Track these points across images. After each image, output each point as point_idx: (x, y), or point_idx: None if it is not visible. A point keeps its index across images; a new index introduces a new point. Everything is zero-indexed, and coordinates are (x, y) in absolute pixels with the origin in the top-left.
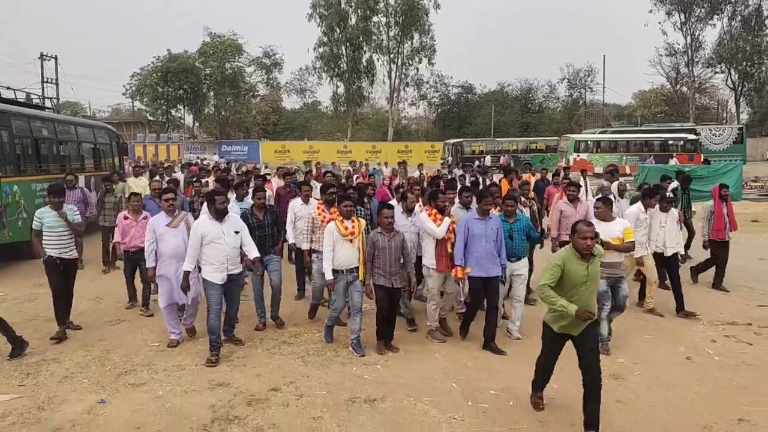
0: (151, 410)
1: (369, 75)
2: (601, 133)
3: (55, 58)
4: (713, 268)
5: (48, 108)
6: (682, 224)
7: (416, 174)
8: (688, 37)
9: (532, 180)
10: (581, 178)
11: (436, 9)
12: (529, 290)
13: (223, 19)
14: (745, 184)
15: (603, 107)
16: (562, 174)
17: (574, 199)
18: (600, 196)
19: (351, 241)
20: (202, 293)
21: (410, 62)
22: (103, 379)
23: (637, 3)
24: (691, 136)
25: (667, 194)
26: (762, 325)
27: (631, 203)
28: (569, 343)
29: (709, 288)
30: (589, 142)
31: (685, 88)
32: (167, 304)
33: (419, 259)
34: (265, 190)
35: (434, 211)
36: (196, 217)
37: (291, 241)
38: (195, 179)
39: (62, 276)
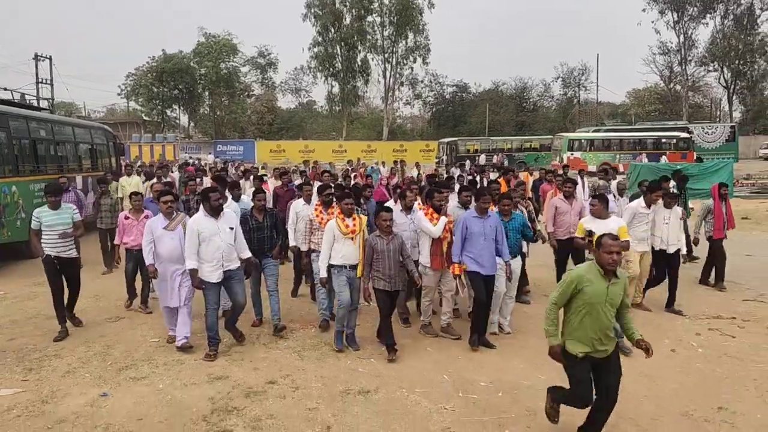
0: (152, 402)
1: (364, 74)
2: (594, 131)
3: (50, 58)
4: (701, 265)
5: (44, 109)
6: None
7: (414, 173)
8: (681, 36)
9: (530, 179)
10: (578, 177)
11: (431, 8)
12: (522, 285)
13: (218, 20)
14: (736, 182)
15: (597, 106)
16: (560, 173)
17: (569, 196)
18: (596, 194)
19: (352, 239)
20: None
21: (405, 62)
22: (105, 373)
23: (631, 2)
24: (684, 135)
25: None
26: (745, 319)
27: (631, 201)
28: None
29: (705, 285)
30: (582, 141)
31: (678, 87)
32: (164, 306)
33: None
34: (265, 192)
35: (431, 210)
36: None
37: (293, 243)
38: (190, 179)
39: (60, 275)
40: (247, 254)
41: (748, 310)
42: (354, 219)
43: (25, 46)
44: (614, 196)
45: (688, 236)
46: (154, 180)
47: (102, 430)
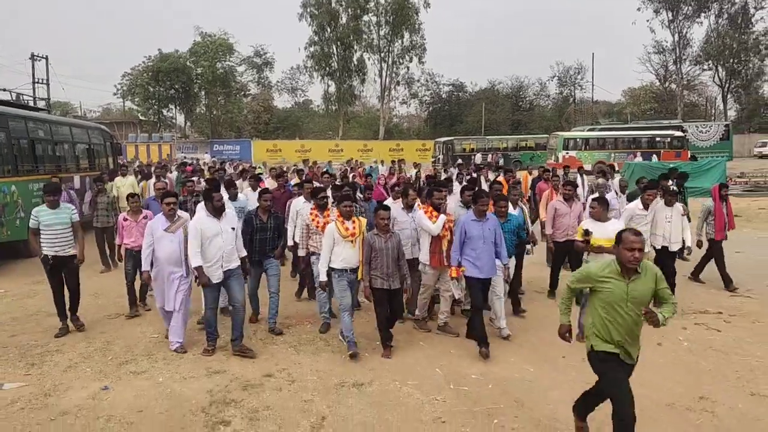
0: (152, 395)
1: (360, 74)
2: (589, 130)
3: (46, 58)
4: (690, 265)
5: (42, 109)
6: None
7: (413, 172)
8: (676, 35)
9: (529, 178)
10: (578, 176)
11: (426, 8)
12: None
13: (214, 19)
14: (729, 180)
15: (592, 105)
16: (561, 173)
17: (569, 198)
18: (596, 195)
19: (352, 241)
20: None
21: (401, 61)
22: (106, 368)
23: (627, 1)
24: (678, 133)
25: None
26: (732, 313)
27: (629, 199)
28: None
29: (696, 282)
30: (577, 140)
31: (673, 86)
32: (160, 306)
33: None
34: (270, 192)
35: (430, 208)
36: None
37: (291, 242)
38: (189, 180)
39: (59, 277)
40: (243, 253)
41: (734, 305)
42: (353, 222)
43: (17, 47)
44: (616, 193)
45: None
46: (153, 179)
47: (104, 422)
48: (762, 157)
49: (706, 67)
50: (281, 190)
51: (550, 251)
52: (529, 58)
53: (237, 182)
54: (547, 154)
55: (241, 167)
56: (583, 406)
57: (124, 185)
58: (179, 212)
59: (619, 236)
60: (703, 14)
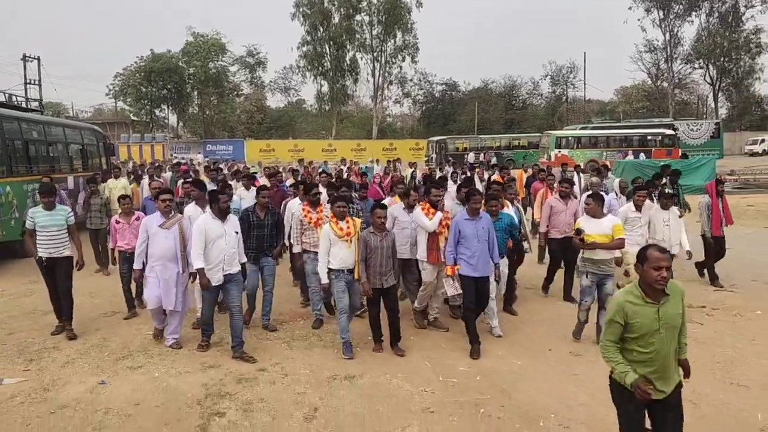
0: (148, 389)
1: (353, 73)
2: (581, 129)
3: (38, 59)
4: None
5: (35, 110)
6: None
7: (408, 172)
8: (667, 34)
9: (524, 176)
10: (575, 175)
11: (419, 7)
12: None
13: (207, 19)
14: (719, 177)
15: (584, 103)
16: (559, 171)
17: (565, 196)
18: (590, 192)
19: (348, 241)
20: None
21: (393, 60)
22: (103, 363)
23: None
24: (669, 132)
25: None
26: (715, 307)
27: (629, 198)
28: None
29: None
30: (569, 138)
31: (665, 84)
32: (154, 306)
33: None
34: (268, 189)
35: (428, 205)
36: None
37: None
38: (186, 180)
39: (53, 278)
40: (243, 259)
41: (718, 299)
42: (347, 222)
43: (13, 48)
44: (616, 194)
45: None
46: (146, 180)
47: (102, 414)
48: (752, 154)
49: (697, 65)
50: (275, 189)
51: (542, 250)
52: (522, 57)
53: (230, 183)
54: (539, 152)
55: (235, 167)
56: None
57: (116, 187)
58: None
59: (643, 254)
60: (694, 13)
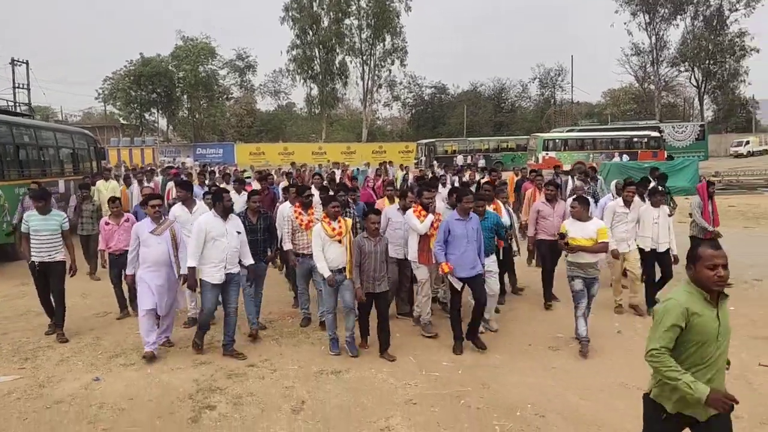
0: (141, 385)
1: (342, 77)
2: (568, 131)
3: (27, 63)
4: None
5: (26, 114)
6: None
7: (400, 174)
8: (653, 37)
9: (515, 180)
10: (569, 178)
11: (407, 11)
12: (503, 291)
13: (197, 23)
14: (702, 179)
15: (572, 106)
16: (552, 173)
17: (552, 199)
18: (576, 195)
19: (339, 241)
20: (183, 303)
21: (383, 64)
22: (96, 361)
23: (608, 3)
24: (655, 134)
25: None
26: None
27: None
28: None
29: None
30: (557, 141)
31: (652, 87)
32: (146, 312)
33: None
34: (258, 194)
35: (419, 207)
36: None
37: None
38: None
39: (45, 281)
40: (250, 261)
41: None
42: (339, 221)
43: (1, 51)
44: (612, 195)
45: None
46: (135, 184)
47: (96, 409)
48: (737, 156)
49: (682, 68)
50: (265, 192)
51: (531, 254)
52: (511, 60)
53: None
54: (527, 155)
55: (227, 171)
56: None
57: (106, 189)
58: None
59: (694, 253)
60: (679, 16)
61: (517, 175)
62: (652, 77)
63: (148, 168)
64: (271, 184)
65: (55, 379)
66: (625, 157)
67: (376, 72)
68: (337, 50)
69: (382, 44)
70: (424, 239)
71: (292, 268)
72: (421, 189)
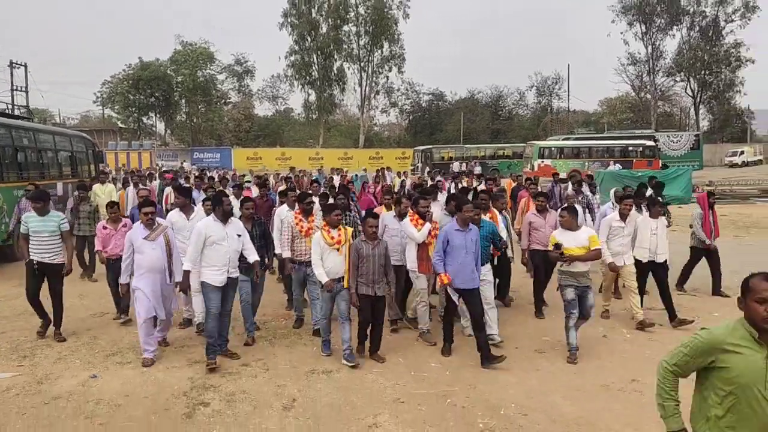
0: (137, 382)
1: (340, 83)
2: (564, 139)
3: (25, 65)
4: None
5: (25, 117)
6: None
7: (397, 181)
8: (649, 47)
9: (512, 186)
10: (569, 185)
11: (406, 19)
12: (505, 295)
13: (196, 22)
14: (696, 188)
15: (568, 114)
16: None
17: (543, 210)
18: (566, 204)
19: (338, 249)
20: (180, 306)
21: (380, 70)
22: (93, 359)
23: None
24: (650, 143)
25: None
26: (675, 310)
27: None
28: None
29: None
30: (552, 149)
31: (648, 96)
32: (146, 319)
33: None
34: (253, 200)
35: (416, 216)
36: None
37: (278, 251)
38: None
39: (39, 282)
40: (255, 257)
41: (679, 303)
42: (339, 230)
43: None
44: (612, 204)
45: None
46: (131, 188)
47: (93, 405)
48: (732, 166)
49: (678, 78)
50: (264, 198)
51: (525, 265)
52: (509, 64)
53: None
54: (523, 162)
55: (224, 175)
56: None
57: (103, 193)
58: (158, 219)
59: (746, 285)
60: (675, 27)
61: (514, 181)
62: (648, 86)
63: (147, 172)
64: (269, 190)
65: (53, 376)
66: (618, 166)
67: (374, 78)
68: (335, 56)
69: (379, 51)
70: (422, 248)
71: (288, 273)
72: (418, 198)
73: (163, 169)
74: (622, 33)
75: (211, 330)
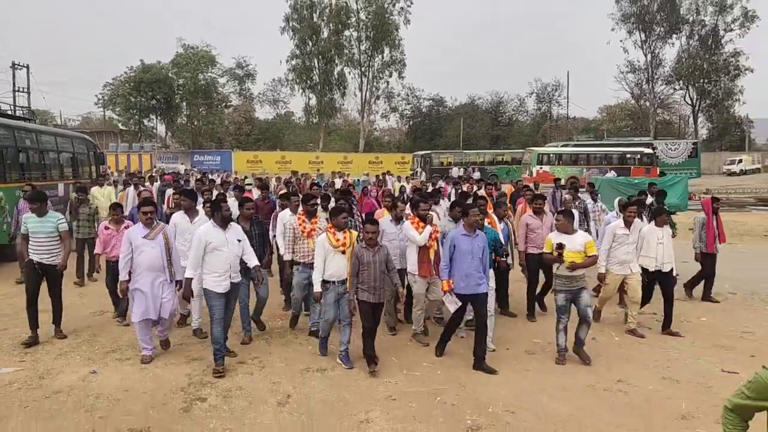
0: (136, 378)
1: (340, 87)
2: (563, 146)
3: (27, 67)
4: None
5: (27, 119)
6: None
7: (397, 185)
8: (649, 55)
9: (512, 191)
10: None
11: (406, 24)
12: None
13: (198, 30)
14: (693, 196)
15: (567, 121)
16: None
17: (539, 212)
18: (562, 209)
19: (343, 252)
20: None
21: (381, 76)
22: (93, 355)
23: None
24: (648, 150)
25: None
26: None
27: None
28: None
29: (689, 298)
30: (551, 155)
31: (648, 104)
32: (141, 319)
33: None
34: (252, 201)
35: (417, 219)
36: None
37: (282, 253)
38: (176, 190)
39: (39, 281)
40: (255, 262)
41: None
42: (345, 233)
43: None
44: (616, 213)
45: None
46: (132, 189)
47: (93, 399)
48: (730, 174)
49: (677, 86)
50: (265, 201)
51: (521, 266)
52: (509, 66)
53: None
54: (522, 168)
55: (227, 178)
56: None
57: (102, 195)
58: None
59: None
60: (674, 35)
61: (515, 187)
62: (647, 94)
63: (148, 174)
64: (270, 193)
65: (54, 371)
66: (612, 173)
67: (375, 83)
68: (336, 61)
69: (380, 56)
70: (422, 251)
71: (288, 277)
72: (418, 200)
73: (170, 171)
74: (621, 41)
75: (217, 336)
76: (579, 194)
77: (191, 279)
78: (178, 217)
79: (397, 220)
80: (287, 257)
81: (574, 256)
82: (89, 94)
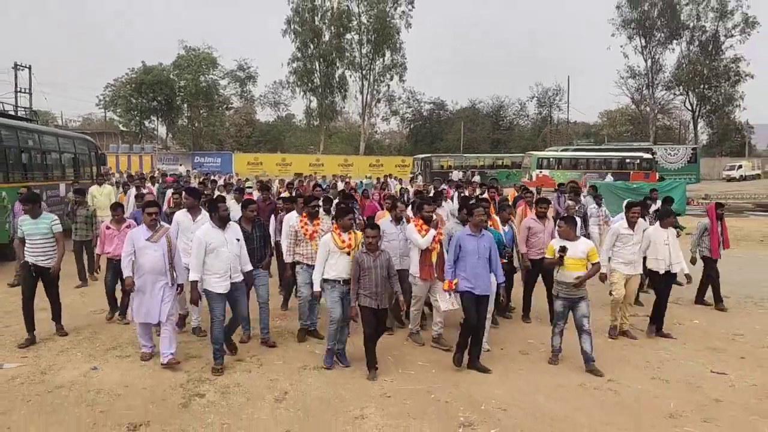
0: (136, 374)
1: (342, 90)
2: (563, 150)
3: (29, 68)
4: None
5: (30, 119)
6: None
7: (398, 188)
8: (649, 61)
9: (514, 195)
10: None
11: (408, 28)
12: (508, 306)
13: (199, 32)
14: (691, 201)
15: (568, 125)
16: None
17: (542, 216)
18: (565, 215)
19: (348, 253)
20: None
21: (382, 79)
22: (94, 352)
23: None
24: (647, 155)
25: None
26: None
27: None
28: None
29: (702, 305)
30: (551, 159)
31: (648, 109)
32: (141, 321)
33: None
34: (255, 202)
35: (420, 221)
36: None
37: (285, 256)
38: (176, 191)
39: (34, 283)
40: (249, 267)
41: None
42: (350, 234)
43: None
44: (624, 217)
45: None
46: (132, 190)
47: (94, 394)
48: (730, 180)
49: (677, 92)
50: (267, 202)
51: (526, 270)
52: (509, 67)
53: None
54: (521, 172)
55: (228, 180)
56: None
57: (101, 194)
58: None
59: None
60: (675, 41)
61: (517, 191)
62: (647, 100)
63: (149, 175)
64: (272, 194)
65: (55, 367)
66: (610, 177)
67: (375, 86)
68: (338, 64)
69: (381, 59)
70: (425, 253)
71: (288, 278)
72: (422, 203)
73: (171, 173)
74: (621, 46)
75: (217, 336)
76: (581, 198)
77: (197, 282)
78: (181, 215)
79: (397, 220)
80: (288, 259)
81: (576, 263)
82: (90, 95)
